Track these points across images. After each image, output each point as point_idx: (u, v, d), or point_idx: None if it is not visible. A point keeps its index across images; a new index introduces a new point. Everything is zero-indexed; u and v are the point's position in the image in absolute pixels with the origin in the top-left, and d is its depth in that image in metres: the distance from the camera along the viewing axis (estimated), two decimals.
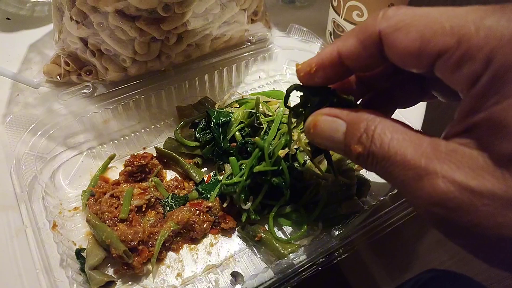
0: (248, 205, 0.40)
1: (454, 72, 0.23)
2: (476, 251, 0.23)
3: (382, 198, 0.42)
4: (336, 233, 0.39)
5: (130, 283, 0.38)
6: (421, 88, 0.32)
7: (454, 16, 0.22)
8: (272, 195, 0.41)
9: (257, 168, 0.39)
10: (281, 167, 0.39)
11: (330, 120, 0.28)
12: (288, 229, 0.43)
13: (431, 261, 0.95)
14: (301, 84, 0.31)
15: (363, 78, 0.33)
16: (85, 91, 0.47)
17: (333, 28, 0.62)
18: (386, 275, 1.09)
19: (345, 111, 0.28)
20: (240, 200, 0.40)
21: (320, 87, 0.31)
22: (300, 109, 0.33)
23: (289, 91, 0.33)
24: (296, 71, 0.31)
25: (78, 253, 0.38)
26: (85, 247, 0.39)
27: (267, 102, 0.49)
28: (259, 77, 0.59)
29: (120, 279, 0.38)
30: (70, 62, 0.51)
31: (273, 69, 0.59)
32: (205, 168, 0.48)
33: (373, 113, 0.26)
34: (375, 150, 0.24)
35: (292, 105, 0.34)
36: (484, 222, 0.21)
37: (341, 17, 0.58)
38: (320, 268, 0.37)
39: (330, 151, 0.37)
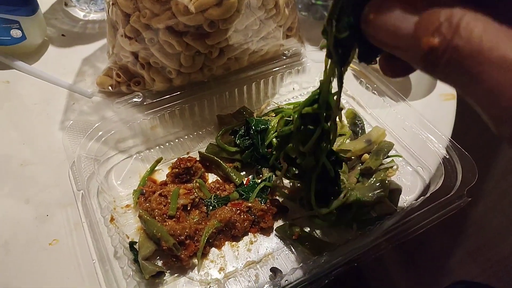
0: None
1: None
2: None
3: (414, 201, 0.44)
4: (370, 233, 0.41)
5: (177, 274, 0.41)
6: None
7: None
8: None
9: (306, 110, 0.38)
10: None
11: (400, 6, 0.22)
12: (324, 230, 0.45)
13: (461, 275, 0.94)
14: None
15: None
16: (136, 99, 0.51)
17: None
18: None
19: None
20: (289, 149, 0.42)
21: None
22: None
23: None
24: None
25: (131, 245, 0.42)
26: (137, 241, 0.43)
27: None
28: (293, 88, 0.62)
29: (169, 271, 0.41)
30: (121, 74, 0.56)
31: (306, 81, 0.62)
32: (244, 172, 0.51)
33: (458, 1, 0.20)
34: (460, 43, 0.19)
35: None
36: None
37: None
38: (356, 264, 0.39)
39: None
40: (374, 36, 0.23)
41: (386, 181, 0.46)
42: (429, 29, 0.20)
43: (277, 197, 0.48)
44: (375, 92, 0.56)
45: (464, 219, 0.91)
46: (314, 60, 0.61)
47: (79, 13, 0.72)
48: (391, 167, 0.49)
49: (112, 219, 0.42)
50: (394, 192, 0.47)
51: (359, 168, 0.49)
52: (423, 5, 0.20)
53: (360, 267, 0.43)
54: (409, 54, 0.21)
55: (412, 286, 1.09)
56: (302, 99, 0.61)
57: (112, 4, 0.51)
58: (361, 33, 0.24)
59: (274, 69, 0.58)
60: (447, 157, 0.48)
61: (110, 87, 0.57)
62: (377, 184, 0.46)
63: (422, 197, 0.44)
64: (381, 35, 0.23)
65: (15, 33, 0.60)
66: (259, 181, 0.48)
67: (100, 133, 0.50)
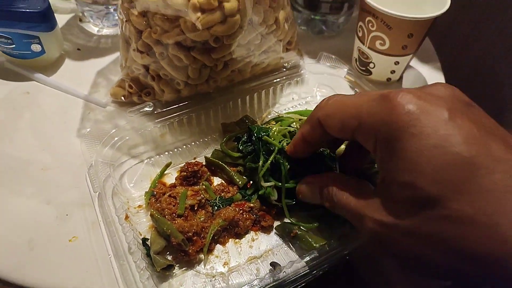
0: (268, 184, 0.48)
1: (364, 142, 0.34)
2: (404, 265, 0.36)
3: None
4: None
5: (185, 268, 0.45)
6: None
7: (359, 105, 0.34)
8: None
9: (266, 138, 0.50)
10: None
11: (310, 187, 0.44)
12: (319, 227, 0.49)
13: None
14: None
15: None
16: (147, 109, 0.56)
17: (358, 56, 0.69)
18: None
19: (318, 178, 0.43)
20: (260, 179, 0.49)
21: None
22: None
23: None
24: (287, 150, 0.47)
25: (144, 241, 0.46)
26: (149, 238, 0.47)
27: (300, 120, 0.56)
28: (292, 98, 0.66)
29: (178, 264, 0.45)
30: (133, 85, 0.60)
31: (305, 92, 0.67)
32: (246, 176, 0.55)
33: (334, 177, 0.42)
34: (334, 204, 0.39)
35: None
36: (394, 248, 0.32)
37: (365, 46, 0.65)
38: (347, 257, 0.43)
39: None
40: (306, 200, 0.45)
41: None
42: (323, 198, 0.41)
43: None
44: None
45: None
46: (312, 72, 0.65)
47: (93, 29, 0.77)
48: None
49: (126, 217, 0.46)
50: None
51: None
52: (316, 183, 0.43)
53: (353, 261, 0.47)
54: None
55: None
56: (300, 108, 0.65)
57: (126, 21, 0.56)
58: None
59: (274, 80, 0.63)
60: None
61: (122, 98, 0.61)
62: (371, 181, 0.49)
63: None
64: (308, 200, 0.45)
65: (35, 47, 0.64)
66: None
67: (114, 140, 0.54)
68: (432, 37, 0.80)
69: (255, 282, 0.41)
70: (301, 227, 0.47)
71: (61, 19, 0.77)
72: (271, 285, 0.42)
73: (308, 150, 0.45)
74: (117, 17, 0.74)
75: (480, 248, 0.26)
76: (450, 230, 0.27)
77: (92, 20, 0.77)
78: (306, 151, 0.45)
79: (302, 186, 0.45)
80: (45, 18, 0.63)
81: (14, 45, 0.63)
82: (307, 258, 0.43)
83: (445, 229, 0.27)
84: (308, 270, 0.43)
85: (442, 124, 0.28)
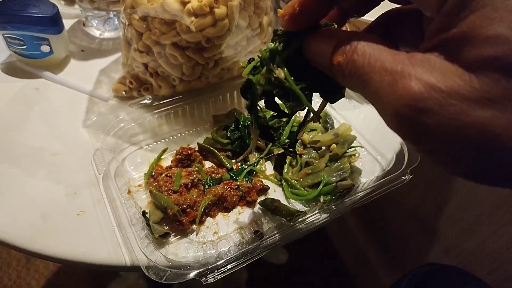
0: None
1: None
2: (440, 155, 0.23)
3: (369, 179, 0.56)
4: (333, 204, 0.52)
5: (179, 236, 0.52)
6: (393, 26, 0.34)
7: None
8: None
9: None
10: None
11: (325, 39, 0.29)
12: (297, 206, 0.56)
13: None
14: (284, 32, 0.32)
15: (343, 11, 0.35)
16: (146, 101, 0.63)
17: None
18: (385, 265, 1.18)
19: (342, 30, 0.30)
20: None
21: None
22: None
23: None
24: (280, 16, 0.31)
25: (144, 213, 0.53)
26: (148, 211, 0.53)
27: None
28: None
29: (173, 233, 0.52)
30: (133, 81, 0.67)
31: None
32: (234, 159, 0.62)
33: (363, 34, 0.27)
34: (356, 58, 0.25)
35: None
36: (449, 122, 0.21)
37: None
38: (318, 224, 0.50)
39: None
40: (309, 58, 0.31)
41: (348, 165, 0.58)
42: (338, 51, 0.27)
43: (260, 179, 0.59)
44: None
45: (439, 217, 1.01)
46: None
47: (96, 32, 0.84)
48: (354, 154, 0.61)
49: (129, 192, 0.53)
50: (355, 172, 0.58)
51: (328, 155, 0.60)
52: (340, 36, 0.28)
53: (328, 232, 0.54)
54: (329, 70, 0.29)
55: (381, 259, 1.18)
56: None
57: (128, 25, 0.63)
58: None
59: None
60: (399, 146, 0.60)
61: (123, 93, 0.68)
62: (341, 167, 0.57)
63: (377, 175, 0.56)
64: (313, 57, 0.31)
65: (45, 48, 0.71)
66: (246, 166, 0.59)
67: (116, 129, 0.60)
68: None
69: (240, 246, 0.48)
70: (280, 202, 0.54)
71: (66, 23, 0.83)
72: (253, 247, 0.48)
73: (314, 15, 0.31)
74: (117, 22, 0.82)
75: None
76: None
77: (94, 25, 0.84)
78: (308, 18, 0.31)
79: (314, 37, 0.31)
80: (55, 22, 0.70)
81: (25, 46, 0.70)
82: (286, 228, 0.50)
83: None
84: (287, 238, 0.50)
85: None
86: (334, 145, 0.61)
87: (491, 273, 0.86)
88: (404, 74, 0.23)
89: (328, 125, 0.66)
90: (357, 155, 0.61)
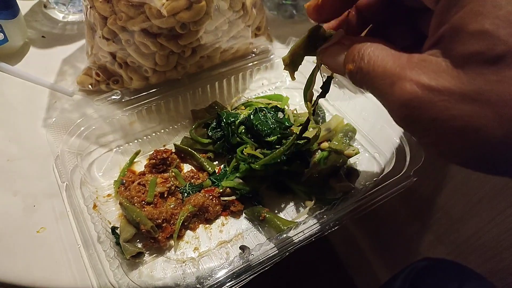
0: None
1: None
2: (438, 146, 0.26)
3: (368, 183, 0.50)
4: (327, 212, 0.46)
5: (155, 255, 0.46)
6: (410, 25, 0.37)
7: None
8: None
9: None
10: None
11: (339, 47, 0.33)
12: (289, 211, 0.50)
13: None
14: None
15: (362, 10, 0.38)
16: (114, 97, 0.55)
17: None
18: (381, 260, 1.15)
19: (351, 38, 0.33)
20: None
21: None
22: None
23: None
24: (306, 8, 0.35)
25: (113, 230, 0.46)
26: (118, 226, 0.47)
27: (268, 104, 0.57)
28: (262, 84, 0.67)
29: (148, 252, 0.46)
30: (100, 73, 0.59)
31: (274, 77, 0.67)
32: (217, 162, 0.55)
33: (370, 40, 0.30)
34: (363, 65, 0.29)
35: None
36: (441, 116, 0.24)
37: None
38: (313, 239, 0.44)
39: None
40: (325, 63, 0.35)
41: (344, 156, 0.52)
42: (349, 59, 0.30)
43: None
44: (335, 85, 0.61)
45: (431, 206, 0.97)
46: (282, 57, 0.65)
47: (58, 15, 0.75)
48: (352, 150, 0.54)
49: (95, 206, 0.46)
50: (353, 174, 0.52)
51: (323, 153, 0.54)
52: (349, 44, 0.31)
53: (328, 240, 0.48)
54: (344, 74, 0.32)
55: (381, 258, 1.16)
56: (270, 92, 0.65)
57: (90, 7, 0.54)
58: None
59: (244, 66, 0.63)
60: (399, 143, 0.54)
61: (90, 86, 0.60)
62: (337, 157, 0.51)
63: (375, 179, 0.50)
64: (328, 63, 0.34)
65: None
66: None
67: (82, 129, 0.53)
68: None
69: (225, 265, 0.42)
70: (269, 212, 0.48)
71: (24, 6, 0.74)
72: (240, 267, 0.42)
73: (335, 8, 0.35)
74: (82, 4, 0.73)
75: None
76: None
77: (57, 6, 0.75)
78: (331, 11, 0.36)
79: (331, 45, 0.34)
80: (7, 5, 0.61)
81: None
82: (275, 240, 0.44)
83: None
84: (277, 252, 0.44)
85: None
86: (325, 143, 0.55)
87: (486, 261, 0.82)
88: (401, 76, 0.26)
89: (319, 118, 0.59)
90: (355, 150, 0.55)
